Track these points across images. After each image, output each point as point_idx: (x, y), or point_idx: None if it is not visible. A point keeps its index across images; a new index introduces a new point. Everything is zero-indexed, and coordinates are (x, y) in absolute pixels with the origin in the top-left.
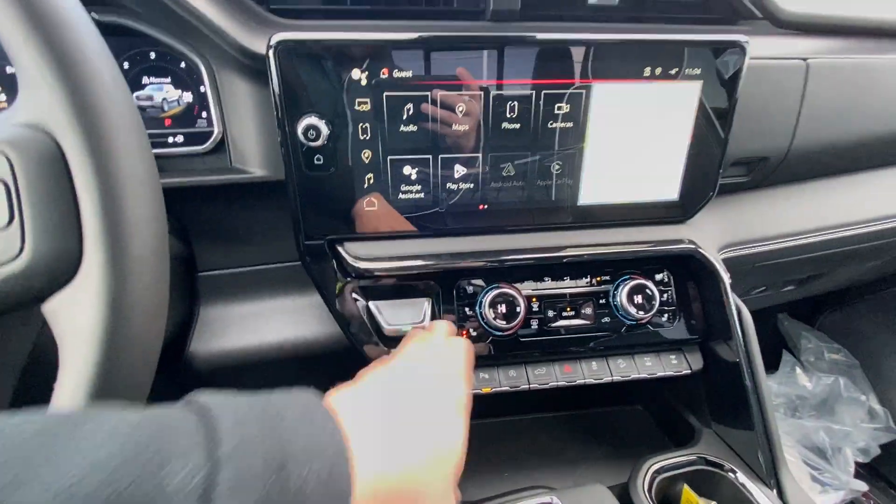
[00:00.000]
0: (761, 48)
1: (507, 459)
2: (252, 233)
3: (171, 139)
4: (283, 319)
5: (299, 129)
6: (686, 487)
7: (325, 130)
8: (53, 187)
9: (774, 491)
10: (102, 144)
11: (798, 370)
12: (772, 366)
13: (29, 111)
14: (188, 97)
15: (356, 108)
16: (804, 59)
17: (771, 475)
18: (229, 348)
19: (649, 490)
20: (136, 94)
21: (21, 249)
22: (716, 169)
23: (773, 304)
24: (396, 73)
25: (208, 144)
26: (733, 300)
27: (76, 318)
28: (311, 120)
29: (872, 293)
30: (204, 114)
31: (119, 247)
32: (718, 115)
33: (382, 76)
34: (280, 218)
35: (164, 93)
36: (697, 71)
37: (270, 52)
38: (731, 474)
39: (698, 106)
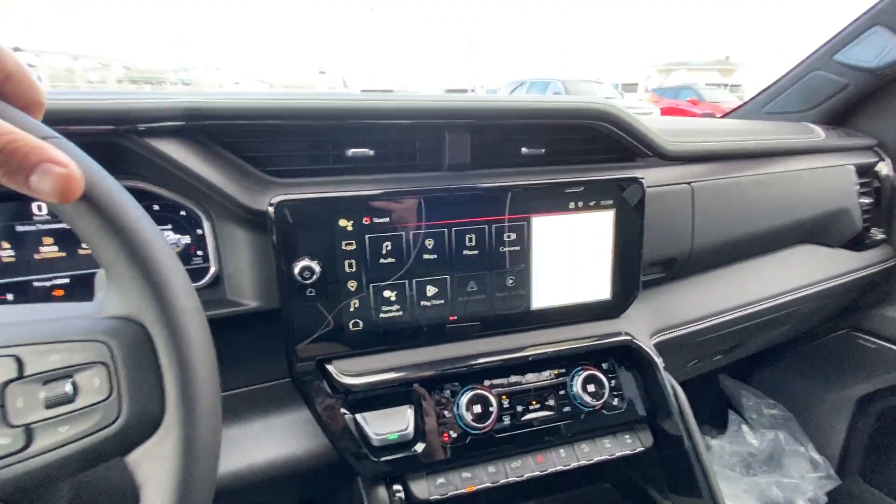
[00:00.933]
0: (656, 178)
1: None
2: (240, 357)
3: None
4: (272, 438)
5: (296, 271)
6: None
7: (317, 269)
8: (143, 366)
9: None
10: (181, 332)
11: (745, 428)
12: (723, 426)
13: (122, 307)
14: (186, 240)
15: (343, 248)
16: (689, 183)
17: None
18: (223, 472)
19: None
20: None
21: (118, 415)
22: (637, 272)
23: (712, 370)
24: (376, 220)
25: (206, 280)
26: (668, 380)
27: (157, 465)
28: (306, 262)
29: (795, 349)
30: (199, 252)
31: (192, 406)
32: (632, 232)
33: (365, 223)
34: (268, 340)
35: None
36: (610, 201)
37: (271, 210)
38: None
39: (615, 227)
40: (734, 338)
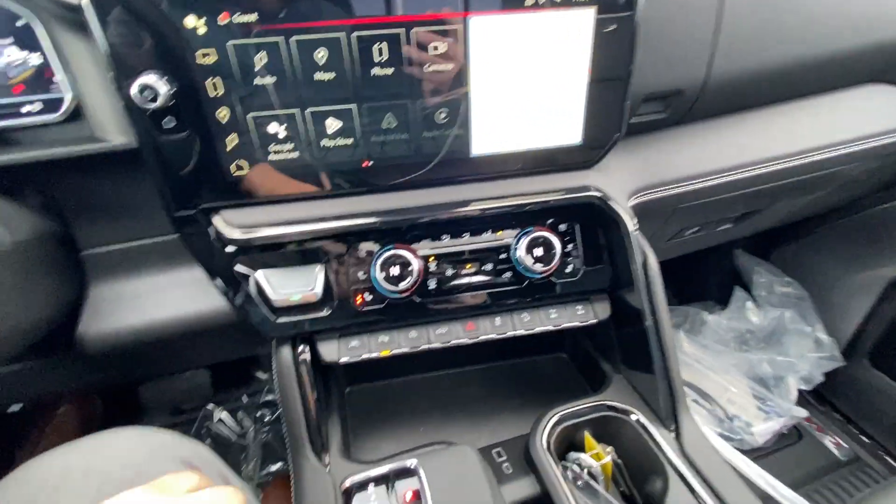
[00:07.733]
0: None
1: (427, 414)
2: (133, 205)
3: (25, 108)
4: (176, 294)
5: (133, 91)
6: (587, 434)
7: (163, 89)
8: None
9: (673, 433)
10: None
11: (749, 305)
12: (727, 302)
13: None
14: (36, 59)
15: (199, 61)
16: None
17: (671, 418)
18: (120, 327)
19: (548, 440)
20: None
21: None
22: (620, 107)
23: (726, 241)
24: (238, 18)
25: (62, 112)
26: (641, 246)
27: None
28: (147, 79)
29: (823, 225)
30: (57, 77)
31: None
32: (618, 46)
33: (222, 23)
34: None
35: (5, 57)
36: None
37: (86, 3)
38: (632, 418)
39: (594, 37)
40: (749, 202)
